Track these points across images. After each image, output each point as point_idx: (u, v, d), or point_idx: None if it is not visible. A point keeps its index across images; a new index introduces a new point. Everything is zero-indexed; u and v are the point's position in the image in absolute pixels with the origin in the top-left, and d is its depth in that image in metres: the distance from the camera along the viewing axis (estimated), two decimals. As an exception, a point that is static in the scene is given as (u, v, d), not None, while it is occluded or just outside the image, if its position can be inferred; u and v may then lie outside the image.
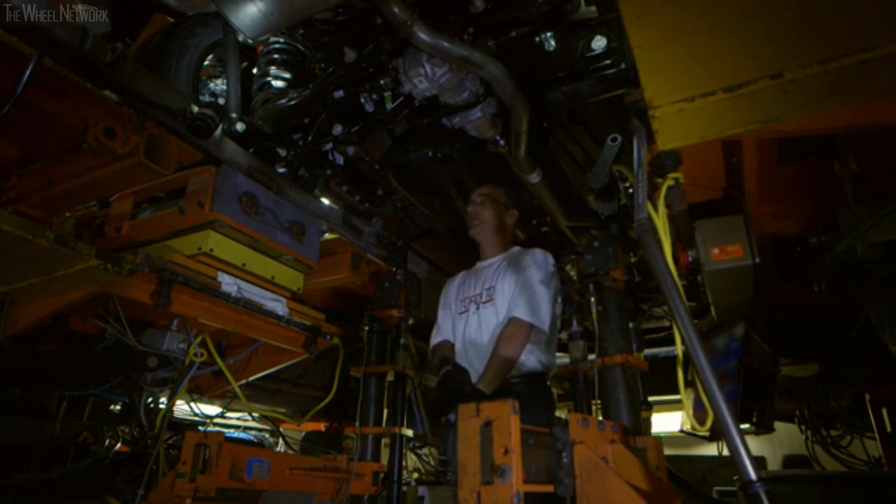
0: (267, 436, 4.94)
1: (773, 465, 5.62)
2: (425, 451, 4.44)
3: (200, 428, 3.22)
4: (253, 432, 4.86)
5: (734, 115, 1.29)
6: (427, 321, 2.76)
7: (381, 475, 2.72)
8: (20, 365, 2.00)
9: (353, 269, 2.81)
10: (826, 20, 1.15)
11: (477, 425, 1.05)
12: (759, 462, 1.40)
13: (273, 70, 2.44)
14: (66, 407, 2.85)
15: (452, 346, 2.40)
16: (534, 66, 1.92)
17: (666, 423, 5.81)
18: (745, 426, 3.38)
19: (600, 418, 1.49)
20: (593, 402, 2.19)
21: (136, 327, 2.04)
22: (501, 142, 2.20)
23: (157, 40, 2.45)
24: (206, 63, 2.60)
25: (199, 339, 2.15)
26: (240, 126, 2.19)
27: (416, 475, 4.85)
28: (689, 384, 1.49)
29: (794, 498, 2.52)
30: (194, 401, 2.77)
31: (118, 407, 3.13)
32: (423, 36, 1.68)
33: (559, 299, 2.36)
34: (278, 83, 2.42)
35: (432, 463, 4.54)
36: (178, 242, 2.07)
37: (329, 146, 2.42)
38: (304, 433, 4.80)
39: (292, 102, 2.28)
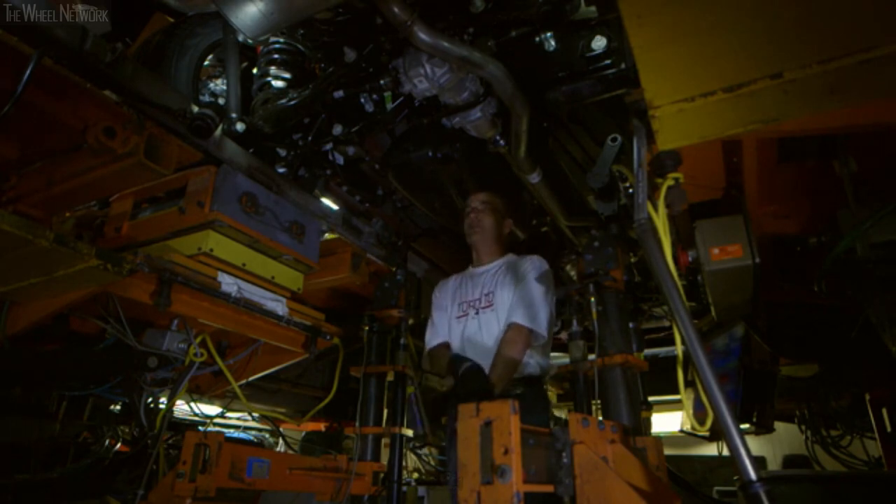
0: (267, 436, 4.94)
1: (773, 465, 5.62)
2: (425, 451, 4.44)
3: (200, 428, 3.22)
4: (253, 432, 4.86)
5: (734, 115, 1.29)
6: (427, 321, 2.76)
7: (381, 475, 2.72)
8: (20, 365, 2.00)
9: (353, 269, 2.82)
10: (826, 20, 1.15)
11: (477, 425, 1.05)
12: (759, 462, 1.40)
13: (273, 70, 2.44)
14: (66, 407, 2.85)
15: (448, 347, 2.42)
16: (534, 66, 1.92)
17: (666, 423, 5.81)
18: (745, 426, 3.38)
19: (600, 418, 1.49)
20: (593, 402, 2.19)
21: (136, 327, 2.04)
22: (501, 142, 2.20)
23: (157, 40, 2.45)
24: (206, 63, 2.60)
25: (199, 339, 2.15)
26: (240, 126, 2.19)
27: (416, 475, 4.85)
28: (689, 384, 1.49)
29: (794, 498, 2.52)
30: (194, 401, 2.77)
31: (118, 407, 3.13)
32: (423, 36, 1.68)
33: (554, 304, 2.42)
34: (278, 83, 2.42)
35: (432, 463, 4.54)
36: (178, 242, 2.07)
37: (329, 146, 2.42)
38: (304, 433, 4.80)
39: (292, 102, 2.28)
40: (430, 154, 2.31)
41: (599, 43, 1.81)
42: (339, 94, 2.17)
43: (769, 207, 2.14)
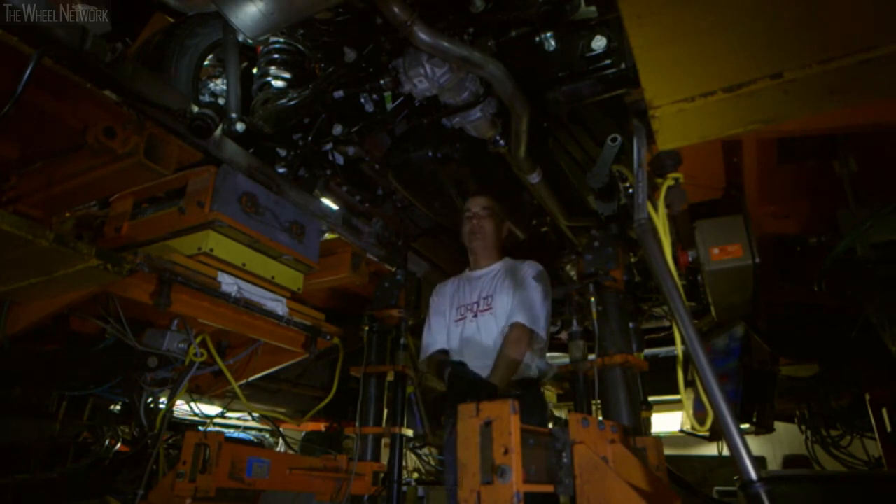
0: (267, 436, 4.94)
1: (773, 465, 5.62)
2: (425, 451, 4.45)
3: (200, 428, 3.22)
4: (253, 432, 4.87)
5: (734, 115, 1.29)
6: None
7: (381, 475, 2.72)
8: (20, 365, 2.00)
9: (353, 269, 2.82)
10: (826, 20, 1.15)
11: (477, 425, 1.05)
12: (759, 462, 1.40)
13: (273, 70, 2.44)
14: (66, 407, 2.85)
15: (447, 352, 2.43)
16: (534, 66, 1.92)
17: (666, 423, 5.81)
18: (745, 426, 3.38)
19: (600, 418, 1.49)
20: (593, 402, 2.19)
21: (136, 327, 2.04)
22: (501, 142, 2.20)
23: (157, 40, 2.45)
24: (206, 63, 2.60)
25: (199, 339, 2.15)
26: (240, 126, 2.19)
27: (416, 475, 4.86)
28: (689, 384, 1.49)
29: (794, 498, 2.52)
30: (194, 401, 2.77)
31: (118, 407, 3.13)
32: (423, 36, 1.68)
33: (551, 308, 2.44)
34: (278, 83, 2.42)
35: (432, 463, 4.55)
36: (178, 242, 2.07)
37: (329, 146, 2.42)
38: (304, 433, 4.80)
39: (292, 102, 2.28)
40: (430, 154, 2.31)
41: (599, 43, 1.81)
42: (339, 94, 2.17)
43: (769, 207, 2.14)
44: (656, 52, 1.32)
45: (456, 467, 1.95)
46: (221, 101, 2.63)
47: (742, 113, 1.28)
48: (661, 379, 3.04)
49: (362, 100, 2.18)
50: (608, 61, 1.83)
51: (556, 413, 5.74)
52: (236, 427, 4.71)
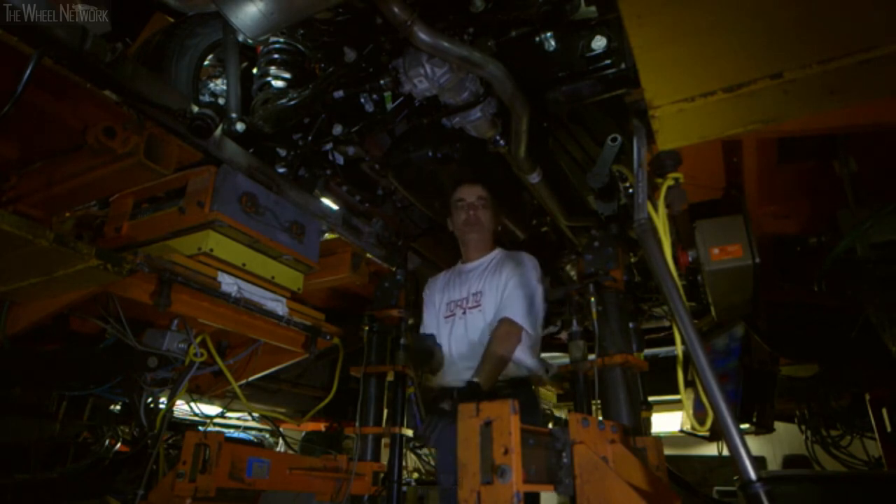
0: (267, 436, 4.94)
1: (773, 465, 5.62)
2: (425, 451, 4.44)
3: (200, 428, 3.22)
4: (253, 432, 4.87)
5: (734, 115, 1.29)
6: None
7: (381, 475, 2.72)
8: (20, 365, 2.00)
9: (353, 269, 2.82)
10: (826, 20, 1.15)
11: (477, 425, 1.05)
12: (759, 462, 1.40)
13: (273, 70, 2.44)
14: (66, 407, 2.85)
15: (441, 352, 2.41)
16: (534, 66, 1.92)
17: (666, 423, 5.81)
18: (745, 426, 3.38)
19: (600, 418, 1.49)
20: (593, 402, 2.19)
21: (136, 327, 2.04)
22: (501, 142, 2.20)
23: (157, 40, 2.45)
24: (206, 63, 2.60)
25: (199, 339, 2.15)
26: (240, 126, 2.19)
27: (416, 475, 4.86)
28: (689, 384, 1.49)
29: (794, 498, 2.52)
30: (194, 401, 2.77)
31: (118, 407, 3.13)
32: (423, 36, 1.68)
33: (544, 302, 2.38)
34: (278, 83, 2.42)
35: (432, 463, 4.54)
36: (178, 242, 2.07)
37: (329, 146, 2.42)
38: (304, 433, 4.80)
39: (292, 102, 2.28)
40: (430, 154, 2.31)
41: (599, 43, 1.81)
42: (339, 94, 2.17)
43: (769, 207, 2.14)
44: (656, 52, 1.32)
45: (446, 461, 1.95)
46: (221, 101, 2.63)
47: (742, 113, 1.28)
48: (661, 379, 3.04)
49: (362, 100, 2.18)
50: (608, 61, 1.83)
51: (556, 413, 5.74)
52: (236, 427, 4.71)
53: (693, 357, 1.24)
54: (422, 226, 3.21)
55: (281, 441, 4.67)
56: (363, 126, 2.26)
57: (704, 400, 1.25)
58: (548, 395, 5.70)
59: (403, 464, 2.70)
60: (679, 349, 1.50)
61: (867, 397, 3.77)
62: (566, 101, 1.96)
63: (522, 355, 2.21)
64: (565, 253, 3.49)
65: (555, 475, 1.16)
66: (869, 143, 1.76)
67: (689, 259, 2.07)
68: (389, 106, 2.18)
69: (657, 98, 1.33)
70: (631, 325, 2.53)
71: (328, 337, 2.60)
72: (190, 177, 2.11)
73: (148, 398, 2.24)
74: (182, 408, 3.03)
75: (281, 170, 2.43)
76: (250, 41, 2.11)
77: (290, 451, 4.25)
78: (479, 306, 2.28)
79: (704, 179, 2.01)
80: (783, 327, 3.02)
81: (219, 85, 2.72)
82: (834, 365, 3.60)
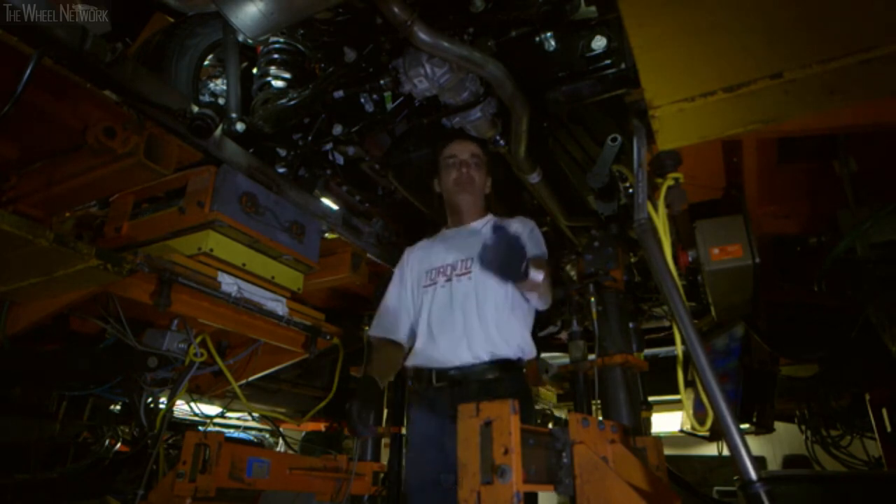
0: (267, 436, 4.94)
1: (773, 465, 5.62)
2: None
3: (200, 428, 3.22)
4: (253, 432, 4.87)
5: (734, 115, 1.29)
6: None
7: (381, 475, 2.72)
8: (20, 365, 2.00)
9: (353, 269, 2.82)
10: (826, 20, 1.15)
11: (477, 425, 1.05)
12: (759, 462, 1.40)
13: (273, 70, 2.44)
14: (66, 407, 2.85)
15: (395, 345, 2.04)
16: (534, 66, 1.92)
17: (666, 423, 5.82)
18: (745, 426, 3.37)
19: (600, 418, 1.49)
20: (593, 402, 2.19)
21: (136, 327, 2.04)
22: (501, 142, 2.20)
23: (157, 40, 2.45)
24: (206, 63, 2.60)
25: (199, 339, 2.15)
26: (240, 126, 2.19)
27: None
28: (689, 384, 1.49)
29: (794, 498, 2.52)
30: (194, 401, 2.77)
31: (118, 407, 3.13)
32: (423, 36, 1.68)
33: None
34: (278, 83, 2.42)
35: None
36: (178, 242, 2.08)
37: (329, 146, 2.42)
38: (304, 433, 4.80)
39: (292, 102, 2.28)
40: (430, 154, 2.31)
41: (599, 43, 1.81)
42: (339, 94, 2.17)
43: (769, 207, 2.14)
44: (656, 52, 1.32)
45: (421, 463, 1.84)
46: (221, 101, 2.63)
47: (742, 113, 1.28)
48: (661, 379, 3.04)
49: (362, 100, 2.18)
50: (608, 61, 1.83)
51: (556, 413, 5.74)
52: (236, 427, 4.71)
53: (693, 357, 1.24)
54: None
55: (281, 441, 4.67)
56: (363, 126, 2.26)
57: (704, 400, 1.25)
58: (548, 395, 5.70)
59: (403, 464, 2.70)
60: (679, 349, 1.50)
61: (867, 397, 3.77)
62: (566, 101, 1.96)
63: (517, 327, 1.88)
64: (565, 253, 3.49)
65: (555, 475, 1.16)
66: (869, 143, 1.76)
67: (689, 259, 2.07)
68: (389, 106, 2.18)
69: (657, 98, 1.33)
70: (631, 325, 2.54)
71: (328, 337, 2.60)
72: (190, 177, 2.11)
73: (148, 398, 2.24)
74: (182, 408, 3.03)
75: (281, 170, 2.43)
76: (250, 41, 2.11)
77: (290, 451, 4.25)
78: (468, 273, 1.92)
79: (704, 179, 2.01)
80: (783, 327, 3.02)
81: (219, 85, 2.72)
82: (834, 365, 3.60)
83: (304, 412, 3.38)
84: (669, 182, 1.55)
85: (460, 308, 1.88)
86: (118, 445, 3.15)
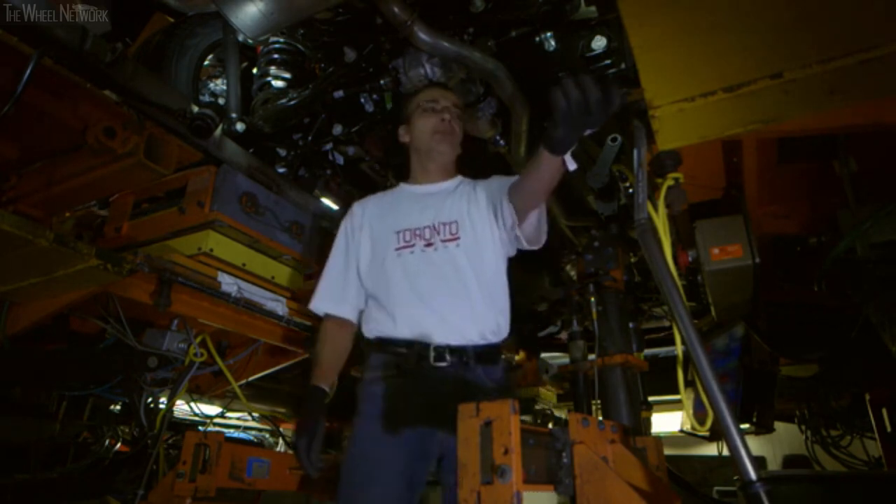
0: (267, 436, 4.94)
1: (773, 465, 5.62)
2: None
3: (200, 428, 3.22)
4: (253, 432, 4.87)
5: (734, 115, 1.29)
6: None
7: (381, 475, 2.71)
8: (20, 365, 2.00)
9: (353, 269, 2.81)
10: (826, 20, 1.15)
11: (477, 425, 1.05)
12: (759, 462, 1.40)
13: (273, 70, 2.44)
14: (66, 407, 2.86)
15: (343, 326, 1.79)
16: (534, 66, 1.92)
17: (666, 423, 5.81)
18: (745, 426, 3.37)
19: (600, 418, 1.49)
20: (593, 402, 2.19)
21: (136, 327, 2.04)
22: (501, 142, 2.20)
23: (157, 40, 2.46)
24: (206, 63, 2.60)
25: (199, 339, 2.15)
26: (240, 126, 2.20)
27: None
28: (689, 384, 1.49)
29: (794, 498, 2.52)
30: (194, 401, 2.77)
31: (118, 407, 3.13)
32: (423, 36, 1.68)
33: None
34: (278, 83, 2.43)
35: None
36: (178, 242, 2.08)
37: (329, 146, 2.42)
38: (304, 433, 4.79)
39: (292, 102, 2.28)
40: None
41: (599, 43, 1.82)
42: (339, 94, 2.18)
43: (769, 207, 2.14)
44: (656, 52, 1.32)
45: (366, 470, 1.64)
46: (221, 101, 2.63)
47: (742, 113, 1.28)
48: (661, 379, 3.04)
49: (362, 100, 2.19)
50: (608, 61, 1.83)
51: (556, 413, 5.74)
52: (236, 427, 4.71)
53: (693, 357, 1.24)
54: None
55: (281, 441, 4.67)
56: (363, 126, 2.26)
57: (704, 400, 1.25)
58: (548, 395, 5.69)
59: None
60: (679, 349, 1.50)
61: (867, 397, 3.77)
62: (566, 101, 1.96)
63: (494, 313, 1.65)
64: (565, 253, 3.49)
65: (555, 475, 1.16)
66: (869, 143, 1.76)
67: (689, 259, 2.07)
68: (389, 106, 2.18)
69: (657, 98, 1.33)
70: (631, 325, 2.54)
71: (328, 337, 2.60)
72: (190, 177, 2.11)
73: (148, 398, 2.24)
74: (182, 408, 3.03)
75: (281, 170, 2.43)
76: (250, 41, 2.11)
77: (290, 451, 4.25)
78: (455, 239, 1.66)
79: (704, 179, 2.01)
80: (783, 327, 3.02)
81: (219, 85, 2.72)
82: (834, 365, 3.60)
83: (304, 412, 3.37)
84: (669, 182, 1.55)
85: (456, 280, 1.63)
86: (118, 445, 3.15)
